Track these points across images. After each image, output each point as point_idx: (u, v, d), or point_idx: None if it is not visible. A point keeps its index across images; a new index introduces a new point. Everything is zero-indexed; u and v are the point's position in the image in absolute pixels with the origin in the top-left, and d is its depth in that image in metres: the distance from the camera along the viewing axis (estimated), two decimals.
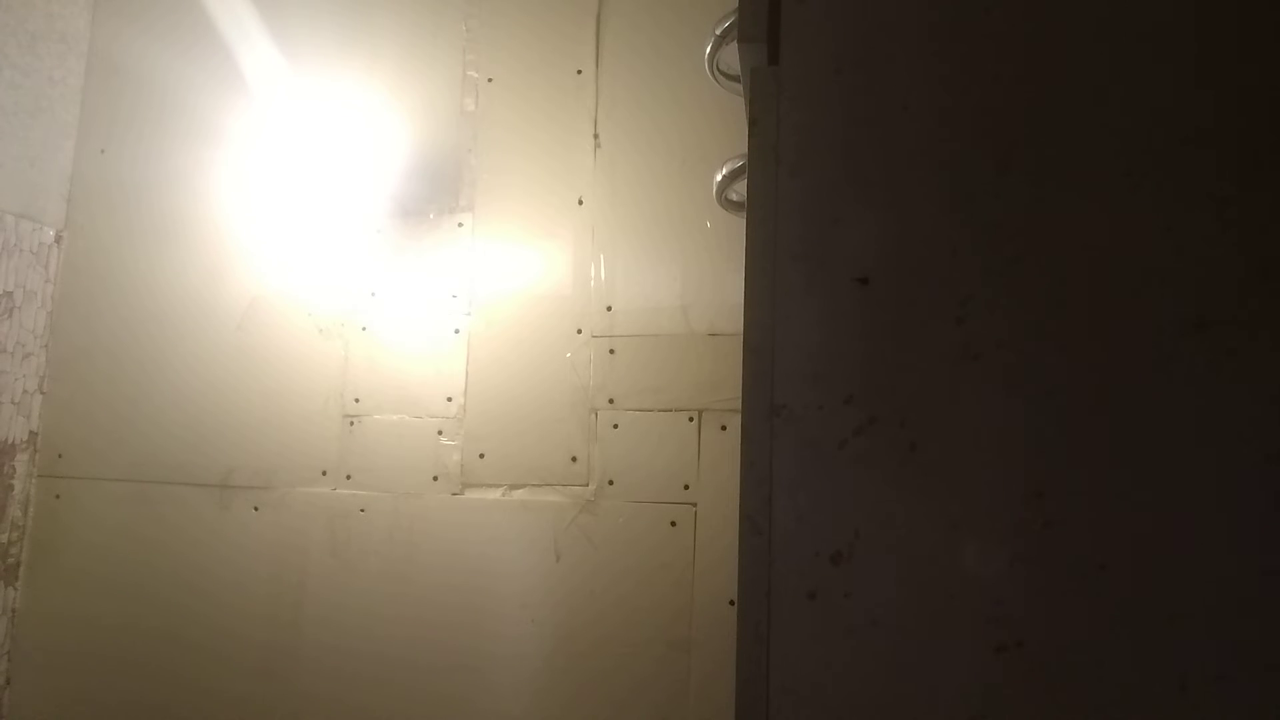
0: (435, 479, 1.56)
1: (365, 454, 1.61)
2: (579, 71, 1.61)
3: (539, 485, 1.52)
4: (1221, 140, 0.52)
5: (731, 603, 1.15)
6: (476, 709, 1.48)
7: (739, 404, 0.58)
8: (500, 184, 1.62)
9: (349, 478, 1.61)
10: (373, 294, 1.65)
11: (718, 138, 1.51)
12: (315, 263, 1.69)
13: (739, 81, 0.76)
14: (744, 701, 0.52)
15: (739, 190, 1.02)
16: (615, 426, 1.50)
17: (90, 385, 1.76)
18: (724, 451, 1.44)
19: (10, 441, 1.71)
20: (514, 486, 1.53)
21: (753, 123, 0.59)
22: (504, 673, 1.47)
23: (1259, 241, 0.50)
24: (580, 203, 1.57)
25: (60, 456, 1.76)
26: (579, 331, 1.54)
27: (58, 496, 1.75)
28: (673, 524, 1.44)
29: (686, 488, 1.45)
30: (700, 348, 1.47)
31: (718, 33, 0.85)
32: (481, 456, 1.55)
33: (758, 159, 0.58)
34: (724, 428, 1.45)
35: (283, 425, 1.66)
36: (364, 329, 1.65)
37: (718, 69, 0.88)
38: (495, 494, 1.54)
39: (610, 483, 1.48)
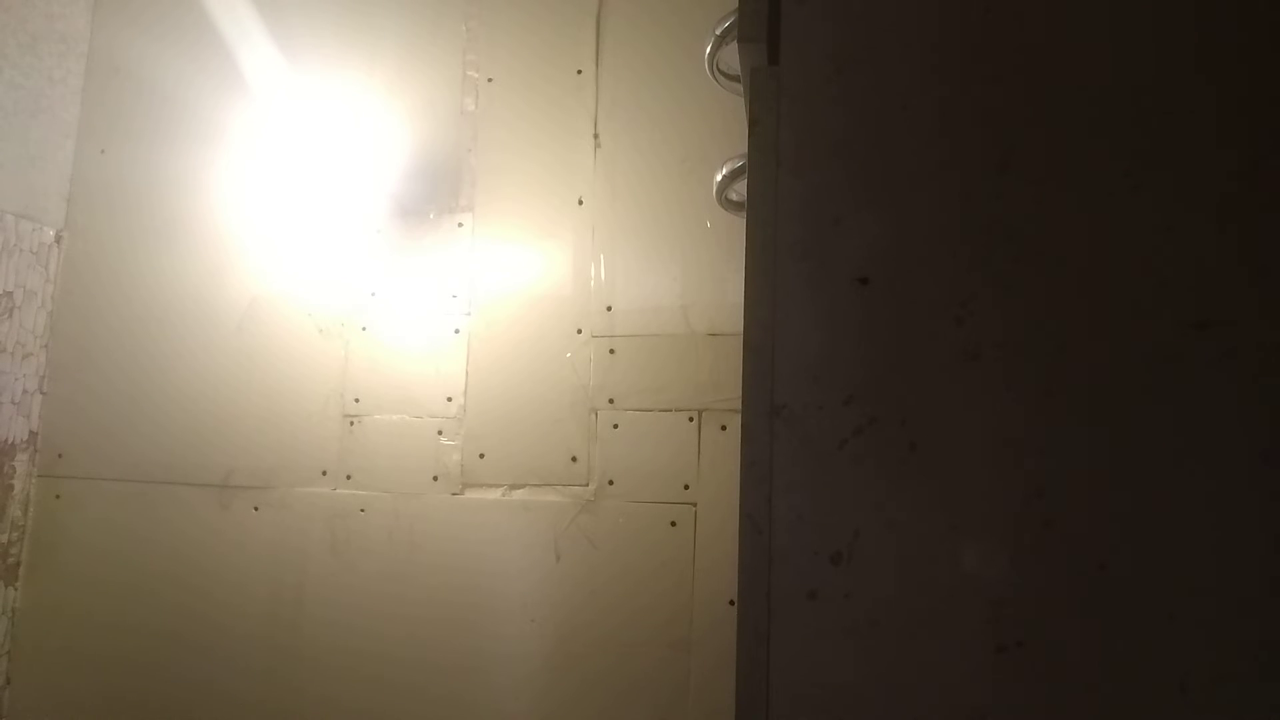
0: (435, 479, 1.56)
1: (365, 454, 1.61)
2: (579, 71, 1.61)
3: (539, 485, 1.52)
4: (1222, 140, 0.52)
5: (731, 603, 1.15)
6: (476, 709, 1.48)
7: (739, 404, 0.58)
8: (500, 184, 1.62)
9: (349, 478, 1.61)
10: (373, 294, 1.65)
11: (718, 138, 1.51)
12: (315, 263, 1.69)
13: (739, 81, 0.76)
14: (744, 701, 0.52)
15: (739, 190, 1.02)
16: (615, 426, 1.50)
17: (90, 385, 1.76)
18: (724, 451, 1.44)
19: (10, 441, 1.71)
20: (514, 486, 1.53)
21: (753, 123, 0.59)
22: (504, 672, 1.47)
23: (1259, 241, 0.50)
24: (580, 203, 1.57)
25: (60, 456, 1.76)
26: (579, 331, 1.54)
27: (58, 496, 1.75)
28: (672, 524, 1.44)
29: (686, 488, 1.45)
30: (700, 348, 1.47)
31: (718, 33, 0.85)
32: (481, 456, 1.55)
33: (758, 159, 0.58)
34: (724, 428, 1.45)
35: (282, 425, 1.66)
36: (364, 329, 1.65)
37: (718, 69, 0.88)
38: (495, 494, 1.54)
39: (610, 483, 1.48)
